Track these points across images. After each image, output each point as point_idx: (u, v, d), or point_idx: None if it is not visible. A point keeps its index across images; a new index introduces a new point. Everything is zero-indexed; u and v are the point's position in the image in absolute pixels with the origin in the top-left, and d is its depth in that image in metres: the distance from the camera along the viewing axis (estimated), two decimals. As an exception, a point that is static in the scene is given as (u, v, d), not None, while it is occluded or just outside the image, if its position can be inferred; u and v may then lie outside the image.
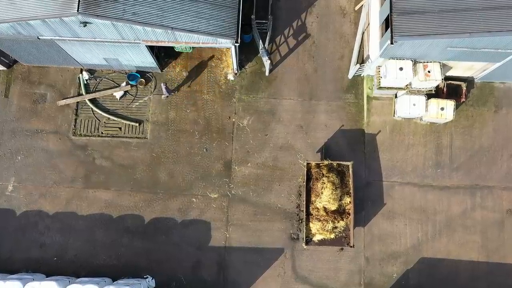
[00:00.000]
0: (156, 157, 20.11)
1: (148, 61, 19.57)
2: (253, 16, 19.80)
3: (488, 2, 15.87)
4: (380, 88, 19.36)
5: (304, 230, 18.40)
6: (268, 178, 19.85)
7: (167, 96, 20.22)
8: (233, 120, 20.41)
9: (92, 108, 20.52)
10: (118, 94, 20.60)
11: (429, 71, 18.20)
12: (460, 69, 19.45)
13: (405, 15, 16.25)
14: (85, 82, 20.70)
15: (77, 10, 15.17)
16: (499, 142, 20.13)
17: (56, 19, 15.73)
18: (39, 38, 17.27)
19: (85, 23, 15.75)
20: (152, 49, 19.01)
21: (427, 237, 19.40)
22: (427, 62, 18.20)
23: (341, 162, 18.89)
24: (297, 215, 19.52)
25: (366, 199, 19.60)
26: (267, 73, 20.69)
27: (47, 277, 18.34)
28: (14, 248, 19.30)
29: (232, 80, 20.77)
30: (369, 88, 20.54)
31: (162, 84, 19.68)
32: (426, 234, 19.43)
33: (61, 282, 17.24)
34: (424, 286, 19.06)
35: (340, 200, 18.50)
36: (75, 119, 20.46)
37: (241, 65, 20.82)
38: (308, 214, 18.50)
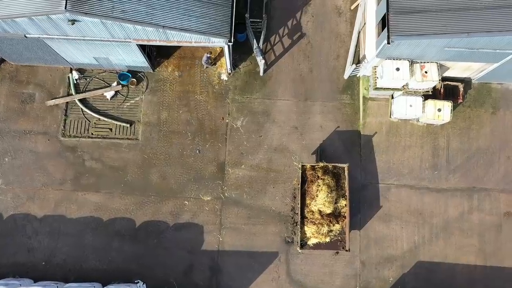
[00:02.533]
0: (147, 158, 19.67)
1: (139, 60, 19.14)
2: (247, 15, 19.41)
3: (486, 1, 15.58)
4: (376, 88, 19.03)
5: (299, 234, 18.04)
6: (262, 180, 19.46)
7: (206, 67, 19.64)
8: (227, 121, 20.01)
9: (82, 109, 20.04)
10: (108, 94, 20.14)
11: (426, 72, 17.91)
12: (457, 69, 19.19)
13: (402, 14, 15.93)
14: (75, 82, 20.22)
15: (65, 8, 14.72)
16: (496, 143, 19.87)
17: (44, 17, 15.27)
18: (26, 37, 16.77)
19: (73, 21, 15.30)
20: (143, 48, 18.57)
21: (424, 240, 19.10)
22: (424, 62, 17.90)
23: (337, 164, 18.54)
24: (292, 218, 19.15)
25: (362, 202, 19.27)
26: (261, 73, 20.31)
27: (35, 282, 17.86)
28: (1, 253, 18.77)
29: (225, 80, 20.37)
30: (365, 89, 20.21)
31: (206, 54, 19.14)
32: (422, 237, 19.12)
33: (49, 287, 16.76)
34: (420, 291, 18.80)
35: (336, 203, 18.16)
36: (65, 120, 19.98)
37: (235, 65, 20.42)
38: (303, 217, 18.14)
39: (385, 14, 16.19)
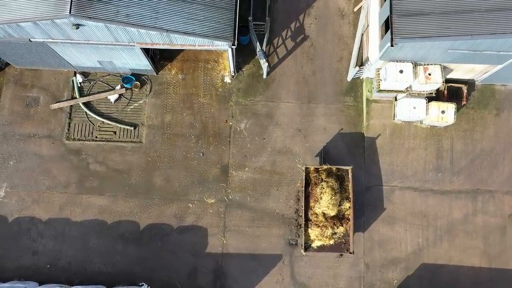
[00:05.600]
0: (151, 161, 19.71)
1: (143, 63, 19.19)
2: (250, 18, 19.45)
3: (490, 3, 15.55)
4: (379, 91, 19.01)
5: (303, 236, 18.04)
6: (266, 183, 19.48)
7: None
8: (230, 123, 20.03)
9: (86, 112, 20.11)
10: (112, 97, 20.20)
11: (429, 74, 17.88)
12: (461, 71, 19.15)
13: (406, 17, 15.91)
14: (79, 85, 20.30)
15: (69, 12, 14.77)
16: (500, 145, 19.81)
17: (48, 21, 15.33)
18: (31, 41, 16.85)
19: (77, 25, 15.35)
20: (147, 51, 18.63)
21: (428, 242, 19.06)
22: (428, 64, 17.87)
23: (341, 167, 18.53)
24: (296, 220, 19.14)
25: (366, 204, 19.25)
26: (264, 76, 20.33)
27: (39, 285, 17.94)
28: (6, 256, 18.86)
29: (229, 82, 20.40)
30: (368, 91, 20.20)
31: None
32: (427, 239, 19.09)
33: (54, 290, 16.85)
34: (425, 293, 18.76)
35: (340, 205, 18.14)
36: (69, 123, 20.05)
37: (238, 67, 20.45)
38: (307, 220, 18.13)
39: (388, 17, 16.17)
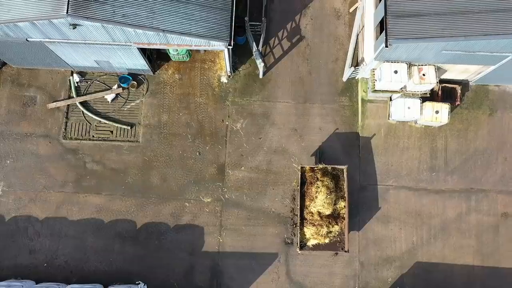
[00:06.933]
0: (148, 161, 19.82)
1: (140, 63, 19.29)
2: (246, 18, 19.59)
3: (483, 5, 15.74)
4: (374, 91, 19.20)
5: (298, 235, 18.20)
6: (262, 182, 19.62)
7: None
8: (227, 123, 20.16)
9: (83, 111, 20.19)
10: (109, 96, 20.29)
11: (424, 74, 18.07)
12: (455, 72, 19.36)
13: (400, 18, 16.07)
14: (76, 85, 20.37)
15: (67, 12, 14.86)
16: (494, 145, 20.04)
17: (45, 21, 15.41)
18: (28, 40, 16.92)
19: (74, 25, 15.45)
20: (144, 51, 18.72)
21: (422, 241, 19.27)
22: (422, 65, 18.06)
23: (336, 166, 18.70)
24: (291, 219, 19.31)
25: (361, 203, 19.43)
26: (261, 76, 20.48)
27: (36, 283, 18.04)
28: (3, 255, 18.93)
29: (225, 82, 20.53)
30: (363, 91, 20.38)
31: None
32: (421, 238, 19.29)
33: (51, 289, 16.94)
34: (419, 291, 18.96)
35: (335, 204, 18.31)
36: (66, 123, 20.13)
37: (234, 67, 20.58)
38: (302, 218, 18.30)
39: (383, 17, 16.35)
